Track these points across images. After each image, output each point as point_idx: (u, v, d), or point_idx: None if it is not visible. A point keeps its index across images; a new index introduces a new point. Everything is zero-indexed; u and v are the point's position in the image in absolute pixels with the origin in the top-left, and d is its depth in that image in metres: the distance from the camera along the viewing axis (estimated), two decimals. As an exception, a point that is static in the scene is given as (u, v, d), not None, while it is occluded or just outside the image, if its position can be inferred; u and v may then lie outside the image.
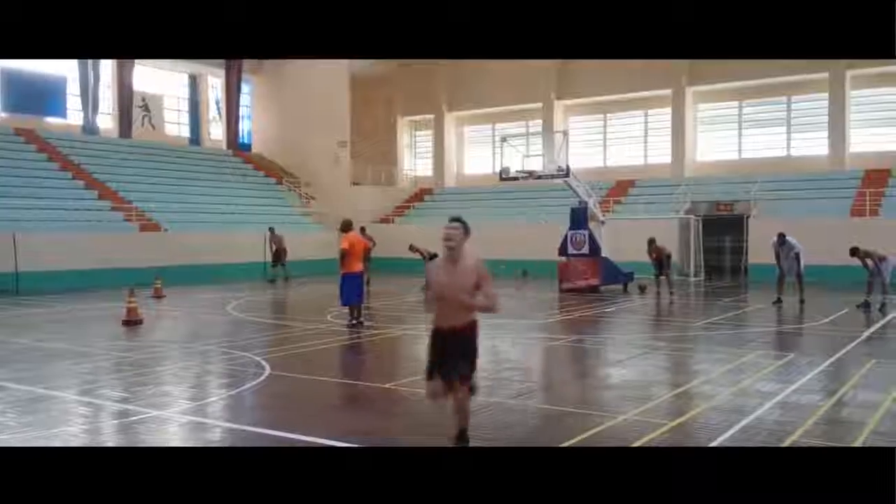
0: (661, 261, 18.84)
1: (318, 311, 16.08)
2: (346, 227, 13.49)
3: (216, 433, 6.73)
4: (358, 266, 13.19)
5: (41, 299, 18.90)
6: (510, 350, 11.54)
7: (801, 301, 16.59)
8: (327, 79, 34.72)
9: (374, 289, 20.83)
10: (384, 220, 34.19)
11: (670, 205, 27.78)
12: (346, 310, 13.64)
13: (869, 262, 15.63)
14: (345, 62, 34.53)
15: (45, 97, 30.58)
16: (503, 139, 22.15)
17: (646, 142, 33.82)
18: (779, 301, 16.70)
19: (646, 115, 33.72)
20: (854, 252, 15.65)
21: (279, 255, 24.65)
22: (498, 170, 21.87)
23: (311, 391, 8.55)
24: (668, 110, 32.06)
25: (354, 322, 13.36)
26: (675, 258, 25.52)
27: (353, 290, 13.19)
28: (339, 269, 13.19)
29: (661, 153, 32.79)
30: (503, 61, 33.35)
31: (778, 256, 17.15)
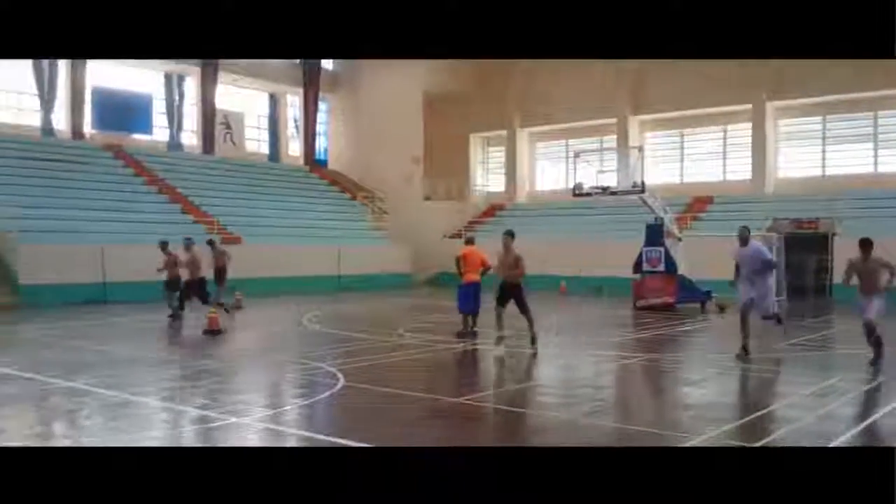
0: None
1: (393, 324, 16.22)
2: (467, 241, 15.41)
3: (291, 441, 6.86)
4: (470, 276, 14.02)
5: (127, 309, 19.64)
6: (583, 367, 11.39)
7: (776, 319, 12.11)
8: (401, 96, 35.22)
9: (440, 303, 20.54)
10: (455, 236, 34.28)
11: (751, 222, 26.94)
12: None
13: None
14: (419, 79, 34.99)
15: (133, 115, 31.86)
16: (576, 155, 21.96)
17: (724, 158, 33.01)
18: (744, 351, 11.23)
19: (724, 131, 32.93)
20: None
21: (220, 273, 19.49)
22: (571, 186, 21.70)
23: (382, 402, 8.61)
24: (748, 125, 31.23)
25: (464, 331, 13.86)
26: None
27: (463, 299, 14.09)
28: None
29: (740, 169, 31.93)
30: (576, 76, 33.34)
31: (737, 268, 11.46)
